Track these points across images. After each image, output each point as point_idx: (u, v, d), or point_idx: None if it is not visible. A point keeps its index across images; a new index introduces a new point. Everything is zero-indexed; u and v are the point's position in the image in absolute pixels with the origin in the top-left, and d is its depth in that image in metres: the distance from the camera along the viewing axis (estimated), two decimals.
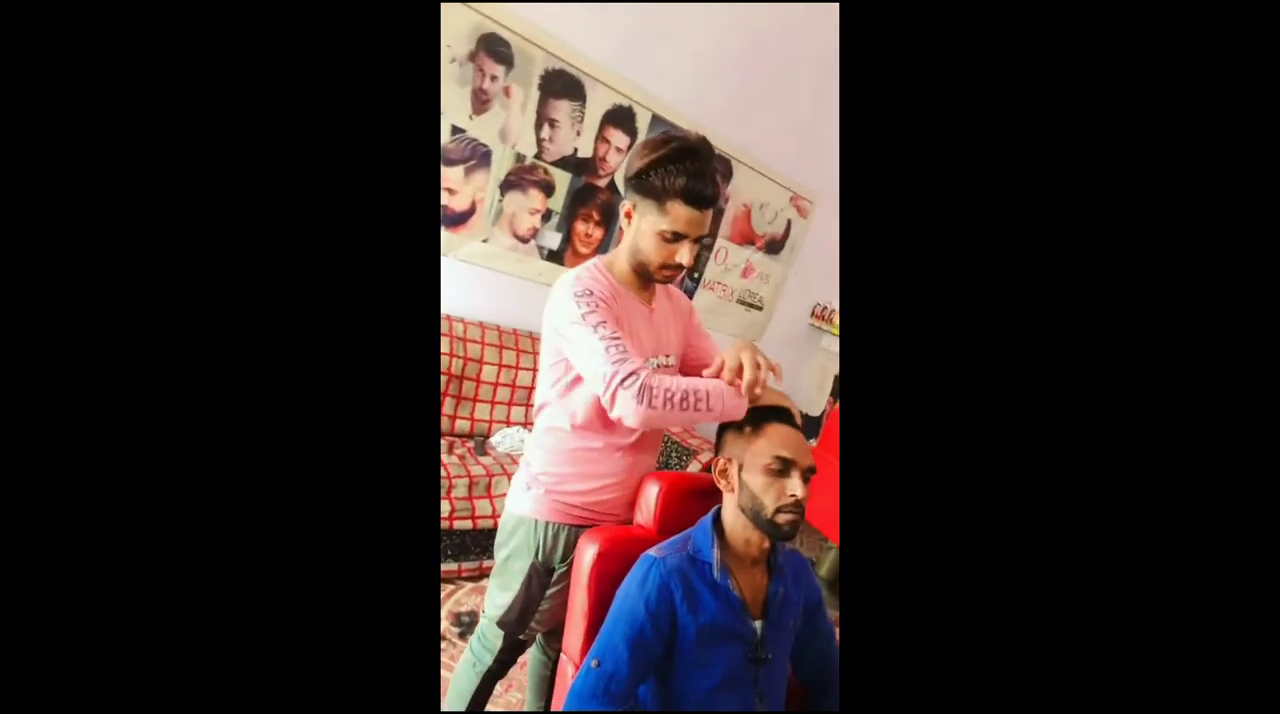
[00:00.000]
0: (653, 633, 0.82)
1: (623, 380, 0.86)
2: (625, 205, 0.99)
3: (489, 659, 1.12)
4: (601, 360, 0.88)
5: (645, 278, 1.04)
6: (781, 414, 0.89)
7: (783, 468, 0.85)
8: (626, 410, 0.86)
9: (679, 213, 0.93)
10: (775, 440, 0.86)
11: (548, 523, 1.04)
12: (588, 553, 0.98)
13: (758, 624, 0.89)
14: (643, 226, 0.97)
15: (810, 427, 3.42)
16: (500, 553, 1.10)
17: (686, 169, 0.91)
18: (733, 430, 0.92)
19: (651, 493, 1.05)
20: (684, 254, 0.96)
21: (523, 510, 1.06)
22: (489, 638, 1.11)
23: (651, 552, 0.89)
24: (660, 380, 0.87)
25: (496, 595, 1.09)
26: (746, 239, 3.06)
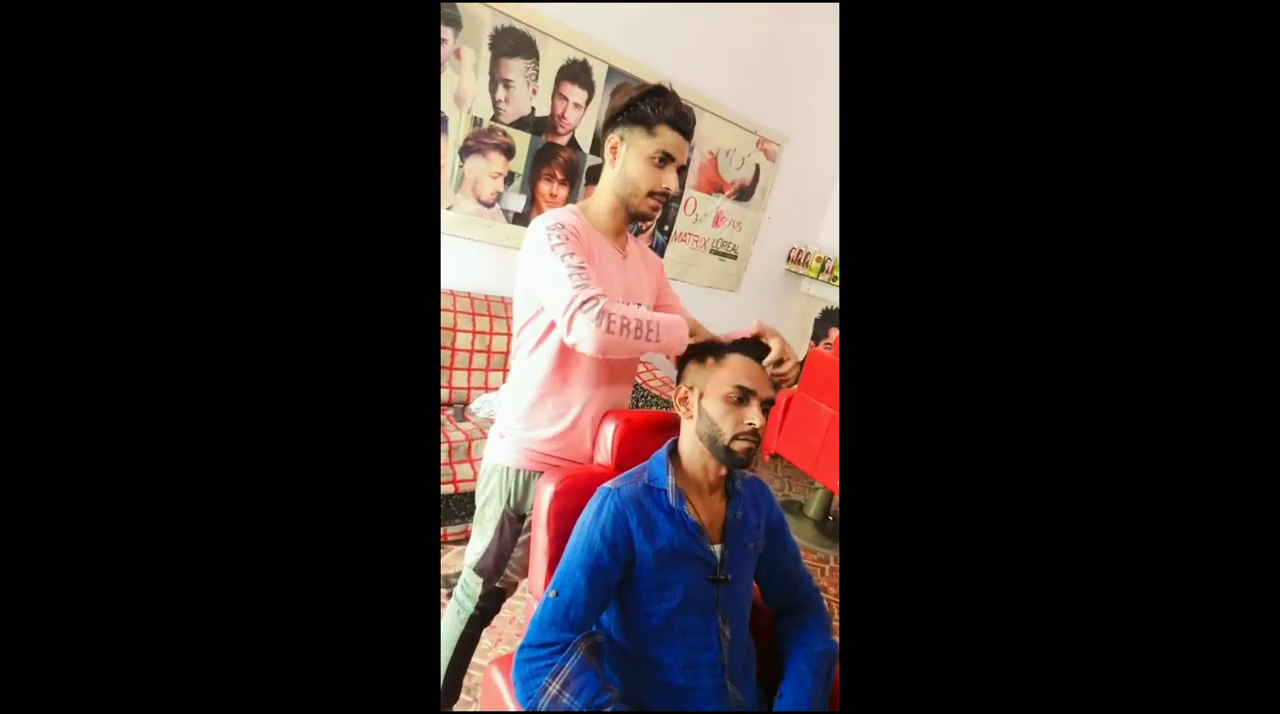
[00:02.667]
0: (610, 560, 0.83)
1: (582, 304, 0.86)
2: (611, 141, 1.02)
3: (470, 606, 1.15)
4: (565, 286, 0.89)
5: (626, 217, 1.06)
6: (743, 346, 0.89)
7: (742, 397, 0.86)
8: (584, 334, 0.87)
9: (667, 136, 0.99)
10: (737, 370, 0.87)
11: (518, 470, 1.07)
12: (546, 491, 0.98)
13: (717, 548, 0.90)
14: (630, 155, 1.01)
15: None
16: (479, 500, 1.13)
17: (673, 102, 1.00)
18: (694, 360, 0.93)
19: (609, 431, 1.06)
20: (670, 178, 1.01)
21: (496, 459, 1.09)
22: (470, 585, 1.14)
23: (607, 484, 0.90)
24: (618, 307, 0.88)
25: (475, 542, 1.13)
26: (715, 188, 3.01)
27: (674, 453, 0.94)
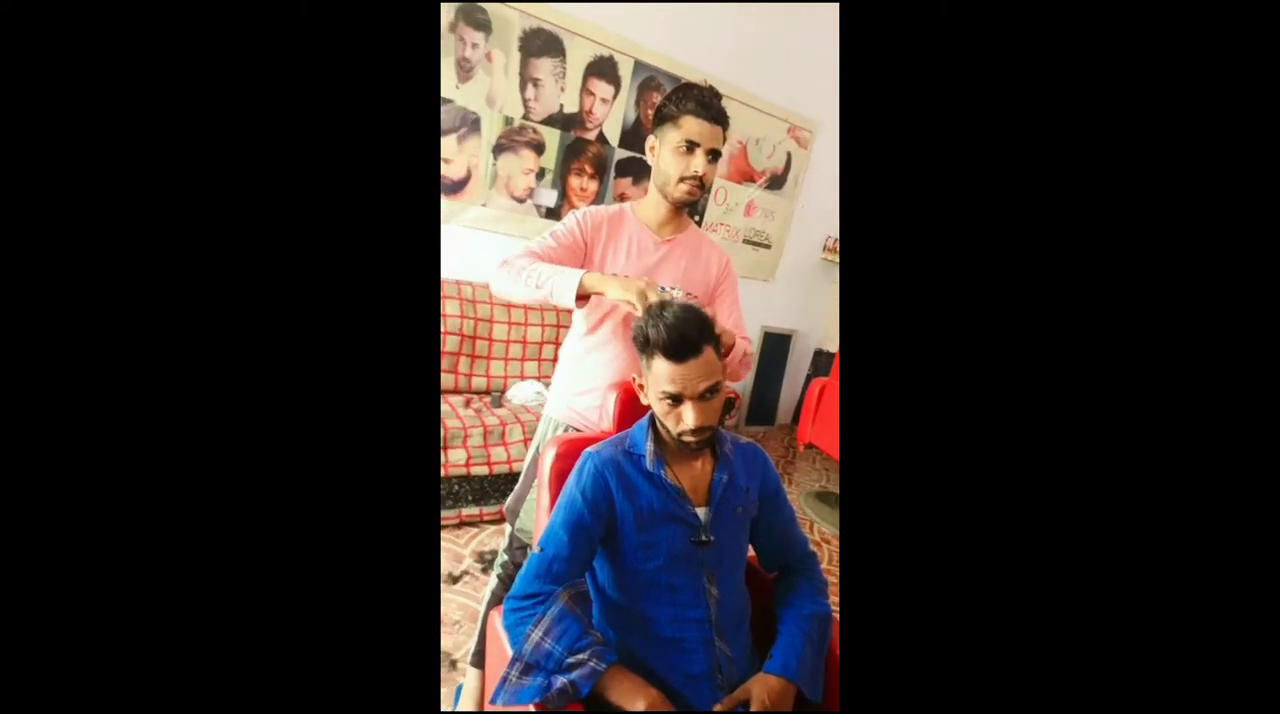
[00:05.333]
0: (591, 518, 0.84)
1: (504, 262, 1.05)
2: (650, 143, 1.13)
3: (504, 558, 1.26)
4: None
5: (668, 207, 1.14)
6: (667, 348, 0.81)
7: (672, 401, 0.84)
8: (490, 280, 1.06)
9: (690, 124, 1.05)
10: (660, 375, 0.83)
11: (556, 422, 1.20)
12: (548, 456, 1.02)
13: (702, 511, 0.89)
14: (663, 150, 1.09)
15: (829, 363, 3.34)
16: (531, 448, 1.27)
17: (693, 94, 1.06)
18: (638, 353, 0.89)
19: (610, 399, 1.08)
20: (698, 163, 1.07)
21: (545, 410, 1.25)
22: (506, 539, 1.27)
23: (590, 447, 0.92)
24: (523, 259, 1.04)
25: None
26: (745, 177, 2.98)
27: (654, 420, 0.93)
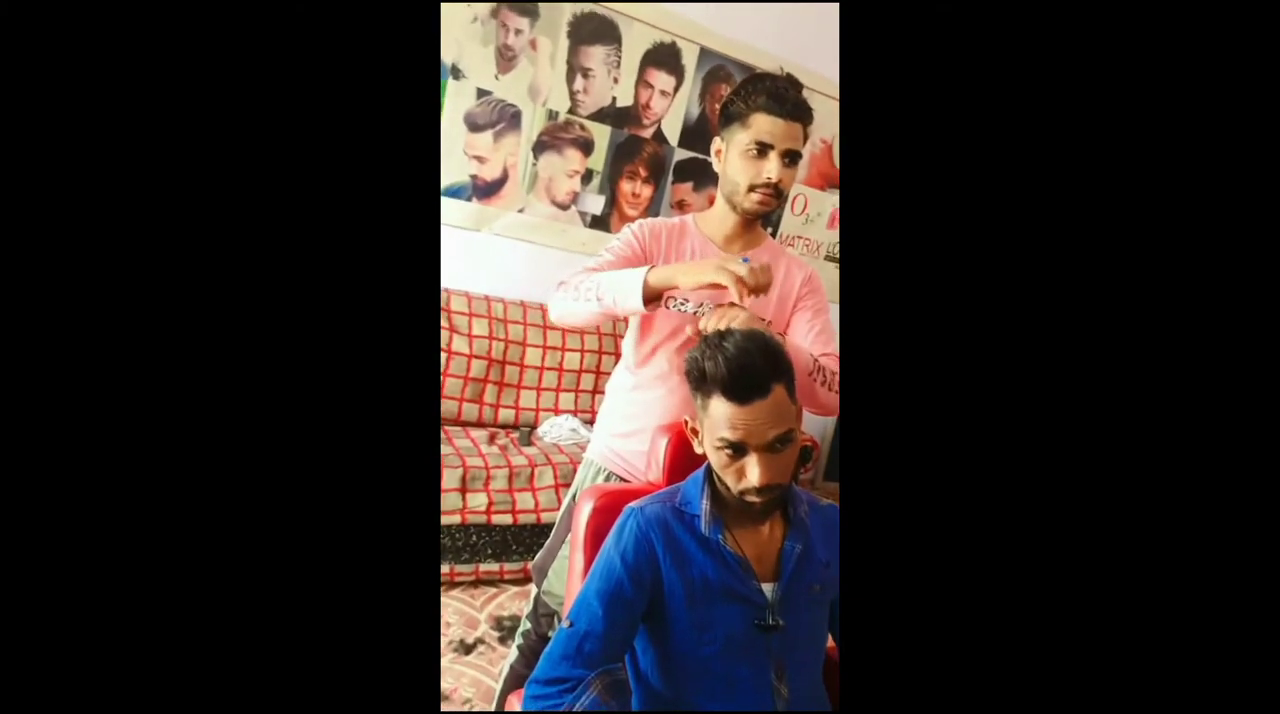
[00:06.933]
0: (632, 589, 0.81)
1: (561, 282, 1.07)
2: (716, 146, 1.13)
3: (527, 626, 1.25)
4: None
5: (737, 219, 1.13)
6: (727, 386, 0.78)
7: (733, 451, 0.79)
8: (550, 306, 1.10)
9: (761, 123, 1.03)
10: (719, 420, 0.79)
11: (598, 468, 1.20)
12: (584, 510, 0.99)
13: (768, 587, 0.84)
14: (731, 154, 1.08)
15: None
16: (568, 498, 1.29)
17: (765, 86, 1.04)
18: (692, 391, 0.86)
19: (661, 444, 1.05)
20: (771, 167, 1.05)
21: (586, 453, 1.26)
22: (531, 600, 1.27)
23: (634, 502, 0.88)
24: (578, 275, 1.06)
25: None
26: (830, 182, 2.94)
27: (711, 473, 0.89)
